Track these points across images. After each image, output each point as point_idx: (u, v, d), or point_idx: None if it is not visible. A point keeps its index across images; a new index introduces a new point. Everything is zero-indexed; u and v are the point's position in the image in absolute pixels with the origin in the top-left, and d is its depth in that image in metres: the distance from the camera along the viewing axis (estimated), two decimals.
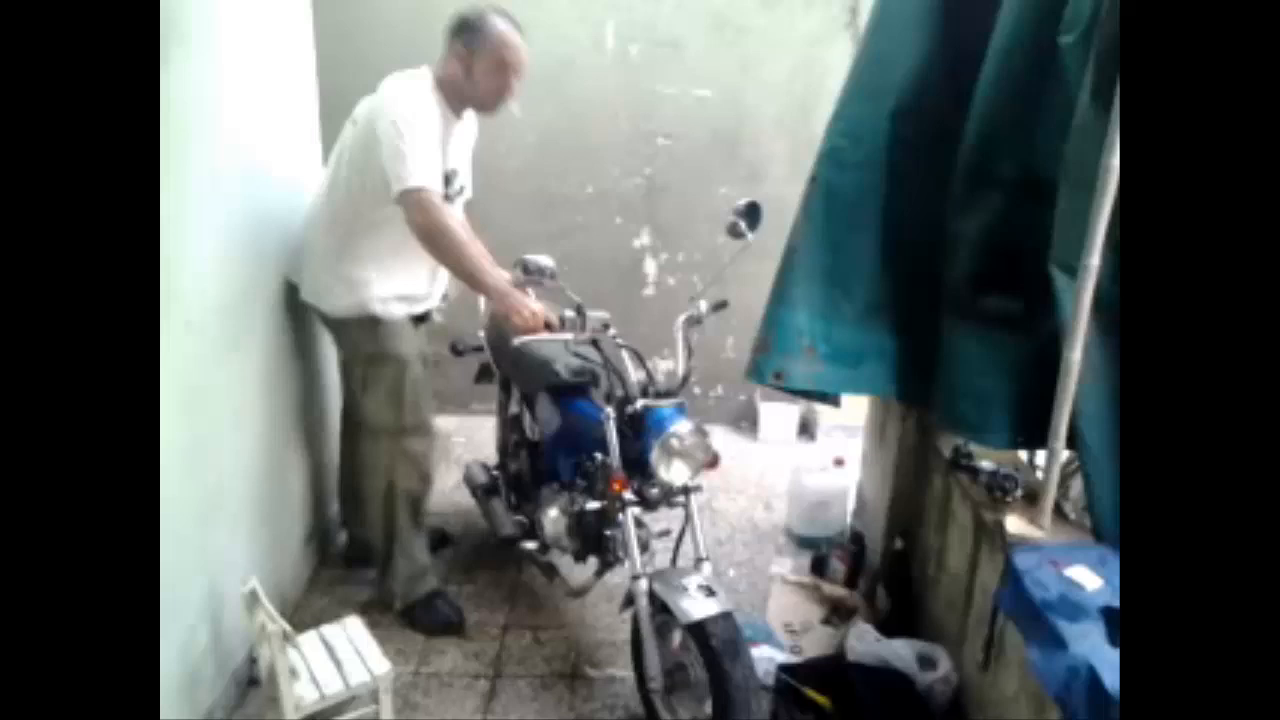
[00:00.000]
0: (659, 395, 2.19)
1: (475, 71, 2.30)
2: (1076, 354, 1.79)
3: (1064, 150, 1.82)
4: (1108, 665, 1.50)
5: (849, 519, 3.15)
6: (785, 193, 2.57)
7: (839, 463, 3.14)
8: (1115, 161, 1.64)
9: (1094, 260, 1.72)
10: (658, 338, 2.45)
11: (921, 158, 2.23)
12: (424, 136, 2.20)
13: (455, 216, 2.37)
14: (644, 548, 2.24)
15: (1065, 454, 1.97)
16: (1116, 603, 1.65)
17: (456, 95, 2.35)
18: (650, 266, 3.97)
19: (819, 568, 2.89)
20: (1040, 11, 1.89)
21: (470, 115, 2.50)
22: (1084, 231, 1.71)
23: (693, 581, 2.01)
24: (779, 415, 4.05)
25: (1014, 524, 1.97)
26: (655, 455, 2.09)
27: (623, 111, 3.74)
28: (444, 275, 2.55)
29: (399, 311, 2.45)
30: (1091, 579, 1.73)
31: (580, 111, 3.73)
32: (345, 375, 2.61)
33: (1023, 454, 2.31)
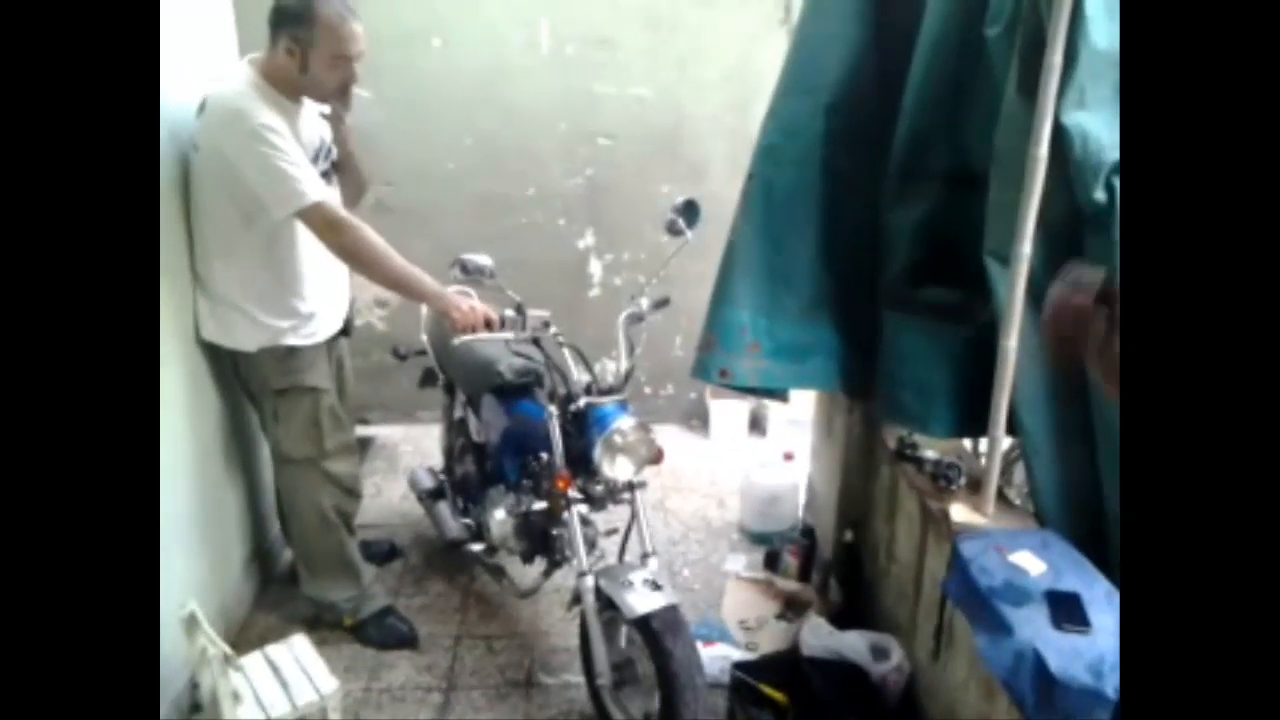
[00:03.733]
0: (602, 393, 2.20)
1: (311, 67, 2.11)
2: (1012, 342, 1.82)
3: (993, 141, 1.85)
4: (1052, 649, 1.53)
5: (801, 513, 3.17)
6: (727, 190, 2.58)
7: (789, 457, 3.15)
8: (1042, 151, 1.67)
9: (1025, 249, 1.75)
10: (603, 337, 2.44)
11: (857, 152, 2.24)
12: (288, 145, 2.06)
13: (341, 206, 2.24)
14: (591, 546, 2.26)
15: (1007, 440, 2.01)
16: (1060, 586, 1.68)
17: (291, 88, 2.17)
18: (594, 267, 3.95)
19: (772, 563, 2.90)
20: (966, 4, 1.92)
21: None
22: (1014, 221, 1.75)
23: (639, 577, 2.03)
24: (729, 412, 4.06)
25: (959, 512, 1.99)
26: (599, 452, 2.10)
27: (561, 112, 3.71)
28: (349, 283, 2.47)
29: (315, 335, 2.33)
30: (1035, 564, 1.75)
31: (518, 113, 3.69)
32: (255, 407, 2.49)
33: (966, 442, 2.34)
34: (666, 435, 3.69)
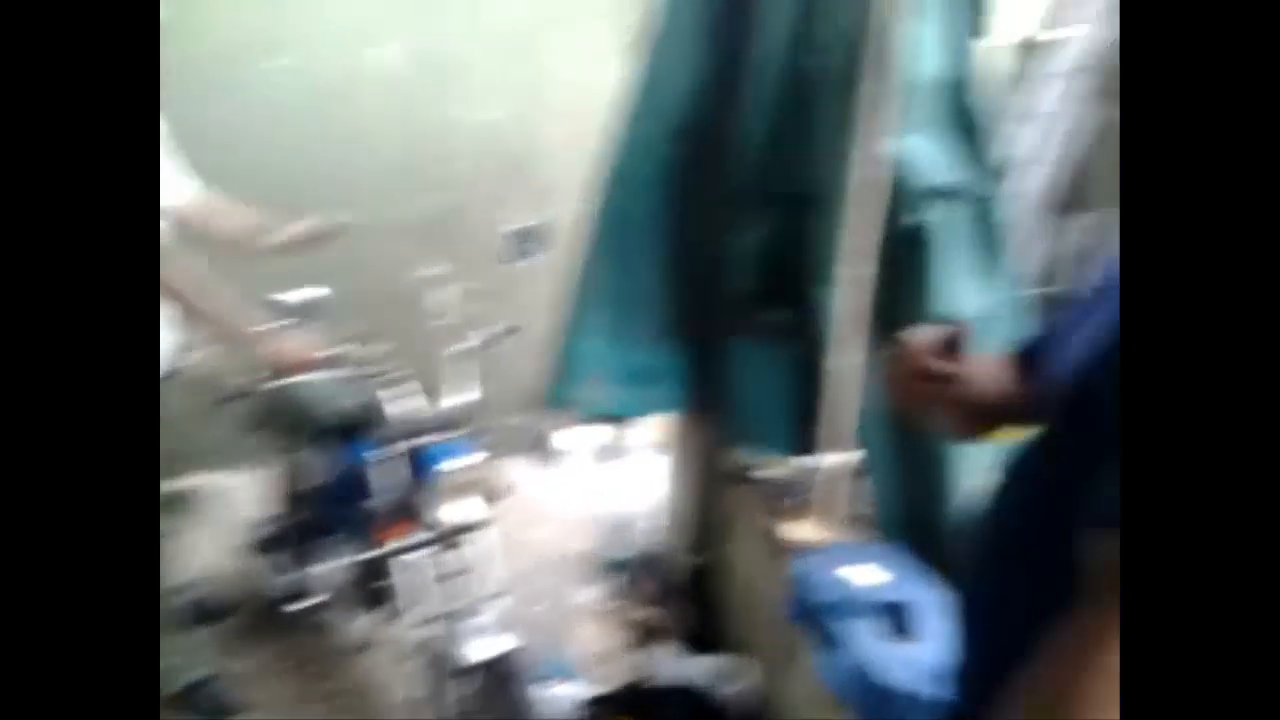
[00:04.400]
0: (439, 430, 2.10)
1: None
2: (845, 360, 1.87)
3: (824, 166, 1.91)
4: (883, 660, 1.55)
5: (655, 538, 3.15)
6: (581, 215, 2.56)
7: (643, 482, 3.14)
8: (867, 176, 1.73)
9: (856, 270, 1.81)
10: (449, 370, 2.36)
11: (705, 176, 2.27)
12: None
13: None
14: (432, 592, 2.14)
15: (851, 456, 2.06)
16: (894, 597, 1.71)
17: None
18: (441, 296, 3.83)
19: (626, 591, 2.86)
20: (796, 33, 1.98)
21: None
22: (842, 244, 1.80)
23: (480, 622, 1.95)
24: (583, 439, 4.01)
25: (799, 530, 2.02)
26: (432, 493, 2.00)
27: (409, 136, 3.61)
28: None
29: None
30: (870, 576, 1.79)
31: (360, 137, 3.55)
32: None
33: (810, 460, 2.39)
34: (518, 467, 3.61)
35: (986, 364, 1.14)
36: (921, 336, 1.07)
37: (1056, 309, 1.18)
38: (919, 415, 1.10)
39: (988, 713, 0.93)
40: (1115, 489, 0.83)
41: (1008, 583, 1.04)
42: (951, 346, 1.05)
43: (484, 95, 3.64)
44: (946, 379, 1.05)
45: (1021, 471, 1.07)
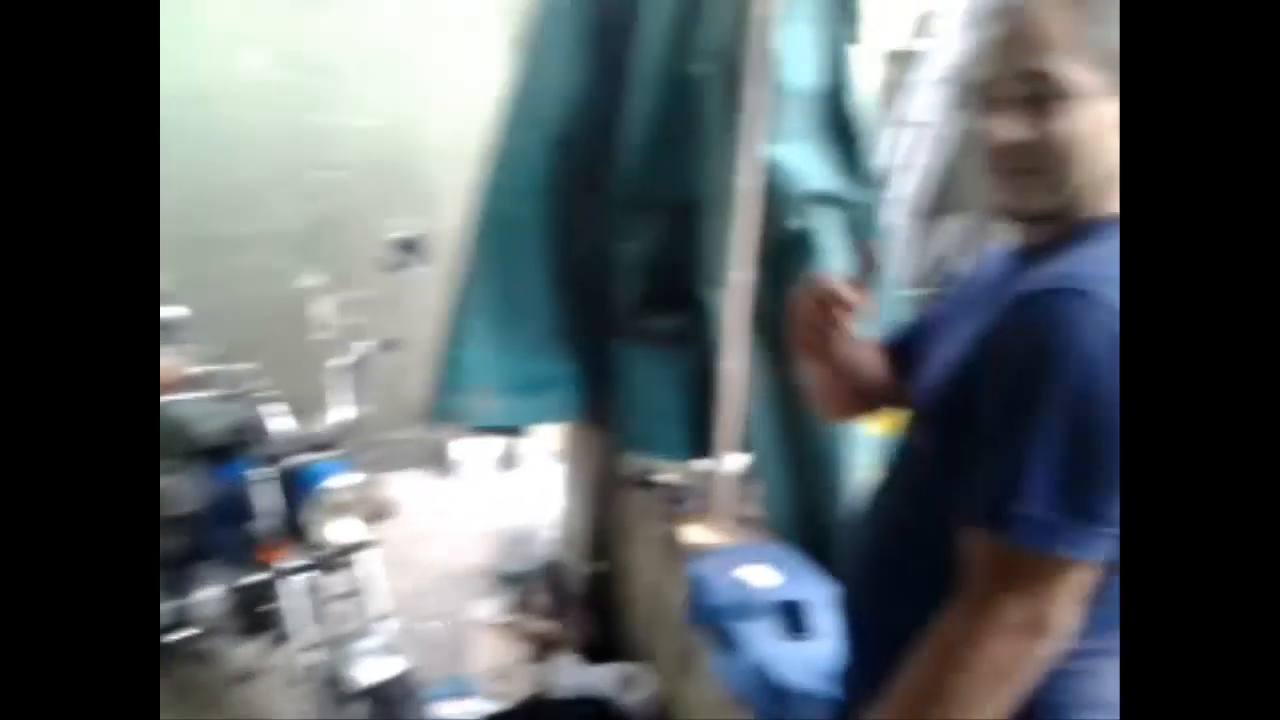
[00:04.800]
0: (317, 448, 2.02)
1: None
2: (732, 364, 1.90)
3: (704, 173, 1.93)
4: (780, 660, 1.57)
5: (553, 548, 3.12)
6: (465, 223, 2.50)
7: (540, 492, 3.10)
8: (747, 182, 1.76)
9: (739, 275, 1.83)
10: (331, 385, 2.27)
11: (588, 184, 2.26)
12: None
13: None
14: (319, 615, 2.06)
15: (743, 459, 2.08)
16: (789, 596, 1.74)
17: None
18: (320, 308, 3.69)
19: (524, 604, 2.82)
20: (676, 40, 1.99)
21: None
22: (728, 249, 1.82)
23: (368, 644, 1.89)
24: (477, 450, 3.94)
25: (694, 534, 2.03)
26: (311, 514, 1.93)
27: (281, 143, 3.46)
28: None
29: None
30: (765, 577, 1.81)
31: (232, 145, 3.38)
32: None
33: (705, 463, 2.40)
34: (409, 481, 3.52)
35: (866, 344, 1.17)
36: (830, 279, 1.07)
37: (927, 309, 1.22)
38: (812, 361, 1.11)
39: (870, 708, 0.95)
40: (980, 488, 0.86)
41: (885, 579, 1.06)
42: (857, 283, 1.06)
43: (361, 101, 3.53)
44: (842, 315, 1.05)
45: (895, 470, 1.10)
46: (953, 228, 2.23)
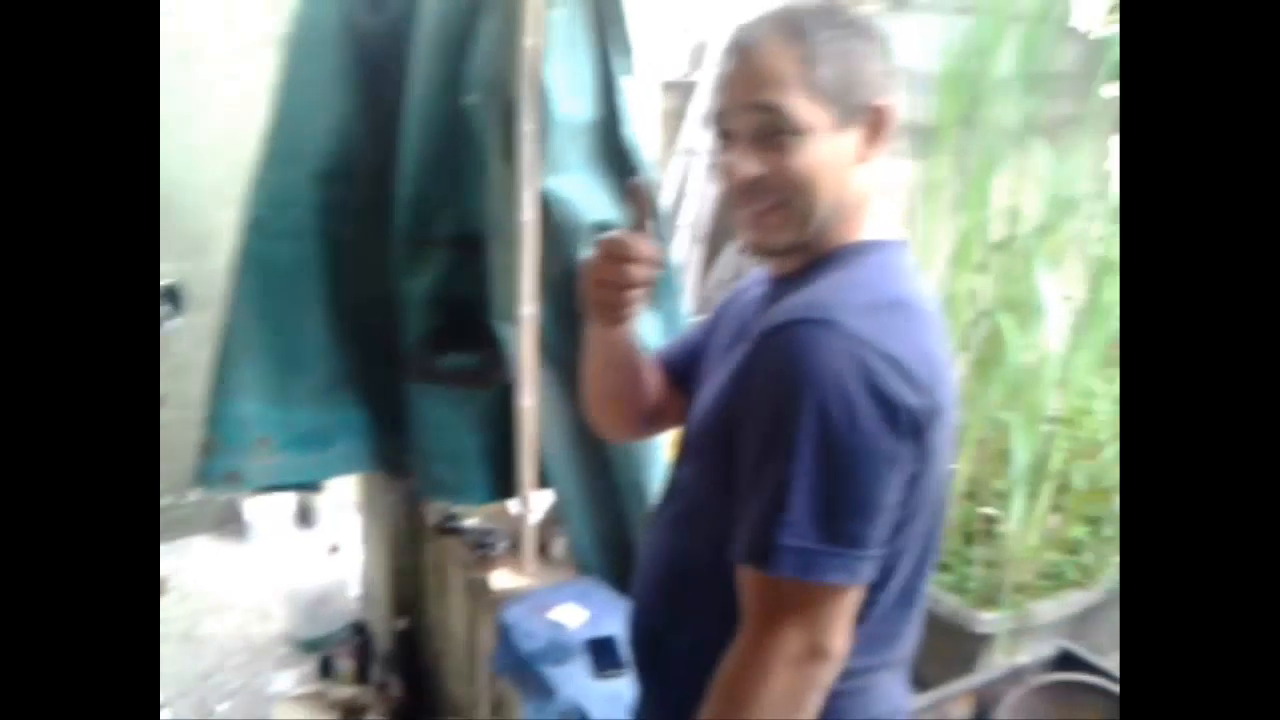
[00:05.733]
0: None
1: None
2: (528, 401, 1.85)
3: (484, 207, 1.88)
4: (593, 699, 1.53)
5: (356, 607, 2.93)
6: (228, 266, 2.31)
7: (334, 550, 2.91)
8: (527, 216, 1.72)
9: (528, 309, 1.79)
10: None
11: (362, 221, 2.13)
12: None
13: None
14: None
15: (547, 497, 2.03)
16: (599, 632, 1.70)
17: None
18: None
19: (326, 670, 2.63)
20: (447, 72, 1.93)
21: None
22: (515, 283, 1.78)
23: None
24: (270, 508, 3.65)
25: (501, 578, 1.96)
26: None
27: None
28: None
29: None
30: (576, 615, 1.77)
31: None
32: None
33: (511, 505, 2.33)
34: (197, 547, 3.21)
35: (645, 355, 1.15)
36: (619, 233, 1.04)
37: (695, 328, 1.23)
38: (605, 323, 1.06)
39: None
40: (745, 523, 0.87)
41: (664, 607, 1.05)
42: (639, 230, 1.03)
43: None
44: (635, 270, 1.02)
45: (669, 499, 1.10)
46: (732, 253, 2.31)
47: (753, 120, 0.89)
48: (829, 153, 0.89)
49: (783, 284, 0.97)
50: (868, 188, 0.95)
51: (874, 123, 0.91)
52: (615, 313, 1.01)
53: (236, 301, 2.05)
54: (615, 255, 0.97)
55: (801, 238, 0.93)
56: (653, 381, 1.17)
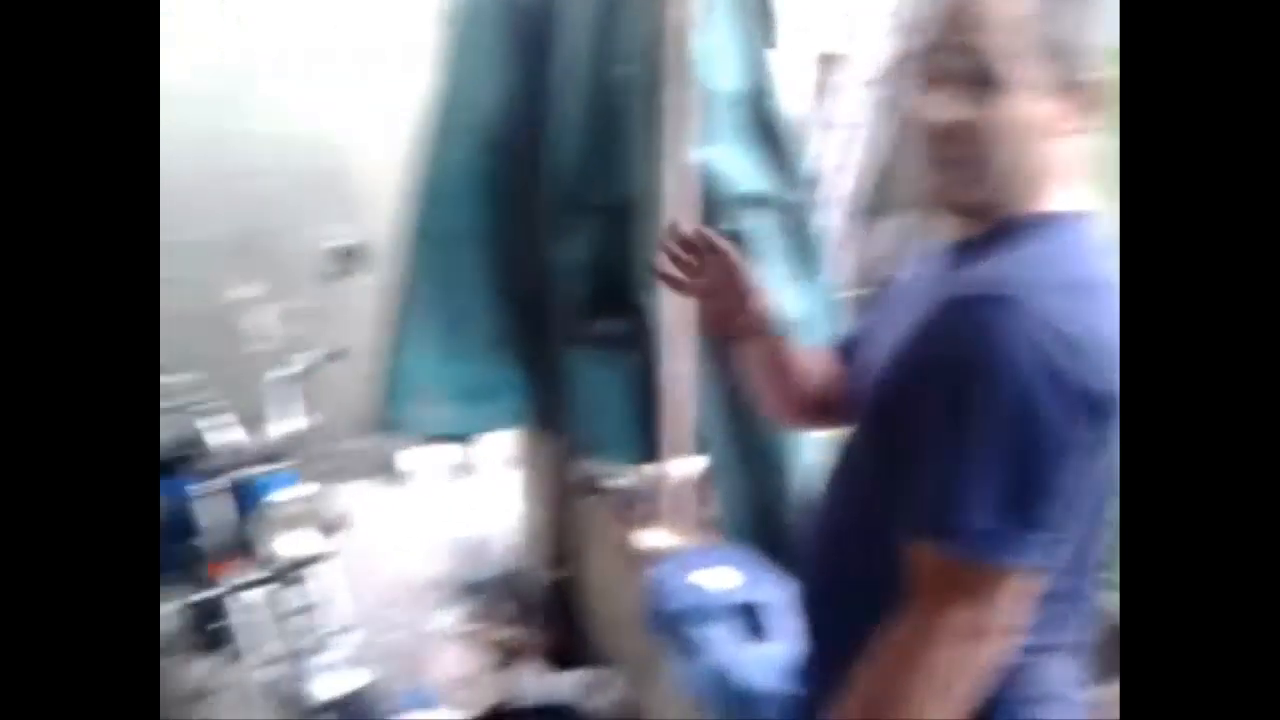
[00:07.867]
0: (268, 459, 2.01)
1: None
2: (678, 367, 1.88)
3: (640, 175, 1.91)
4: (740, 662, 1.57)
5: (512, 556, 3.09)
6: (400, 229, 2.46)
7: (496, 500, 3.07)
8: (672, 186, 1.74)
9: None
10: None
11: (521, 189, 2.22)
12: None
13: None
14: (276, 631, 2.03)
15: (700, 460, 2.07)
16: (747, 598, 1.73)
17: None
18: (256, 319, 3.59)
19: (486, 612, 2.79)
20: (595, 44, 1.96)
21: None
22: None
23: (328, 659, 1.89)
24: (431, 457, 3.88)
25: (653, 537, 2.02)
26: (257, 528, 1.92)
27: (202, 152, 3.34)
28: None
29: None
30: (724, 579, 1.81)
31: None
32: None
33: (656, 466, 2.39)
34: (361, 492, 3.45)
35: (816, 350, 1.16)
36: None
37: (866, 310, 1.21)
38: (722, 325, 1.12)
39: (826, 707, 0.95)
40: (919, 499, 0.86)
41: (834, 579, 1.06)
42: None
43: (284, 109, 3.43)
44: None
45: (839, 472, 1.10)
46: (889, 228, 2.23)
47: (967, 64, 0.84)
48: (1040, 114, 0.84)
49: (965, 250, 0.92)
50: (1069, 161, 0.89)
51: (1089, 95, 0.85)
52: (726, 326, 1.04)
53: (408, 265, 2.19)
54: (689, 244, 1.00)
55: (993, 198, 0.88)
56: (820, 372, 1.16)
